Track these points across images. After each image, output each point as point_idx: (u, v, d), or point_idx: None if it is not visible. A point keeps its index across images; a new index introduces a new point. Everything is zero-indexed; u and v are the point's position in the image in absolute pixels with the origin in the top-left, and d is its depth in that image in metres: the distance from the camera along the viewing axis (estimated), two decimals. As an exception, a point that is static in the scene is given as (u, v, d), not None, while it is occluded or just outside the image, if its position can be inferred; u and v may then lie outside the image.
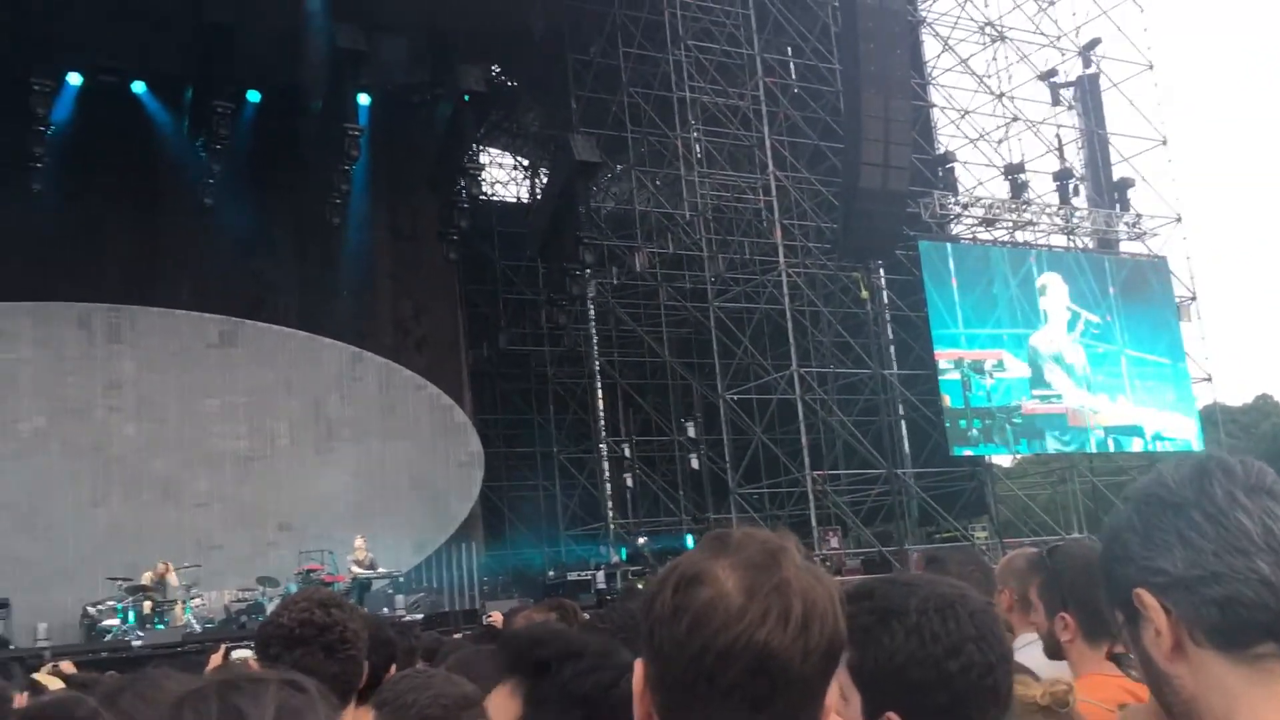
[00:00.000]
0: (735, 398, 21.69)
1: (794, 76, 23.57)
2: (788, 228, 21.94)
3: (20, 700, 3.74)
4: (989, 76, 24.82)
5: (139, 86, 20.27)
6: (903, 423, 24.15)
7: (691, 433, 23.63)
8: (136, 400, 20.61)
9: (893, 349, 24.53)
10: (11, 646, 15.64)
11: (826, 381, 22.44)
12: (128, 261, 20.81)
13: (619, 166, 24.61)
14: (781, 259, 21.37)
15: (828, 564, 18.96)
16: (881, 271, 24.31)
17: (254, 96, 20.42)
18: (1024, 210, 24.43)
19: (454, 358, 24.08)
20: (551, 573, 21.50)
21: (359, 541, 18.46)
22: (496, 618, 8.08)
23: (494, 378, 25.26)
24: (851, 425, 21.75)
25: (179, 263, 21.22)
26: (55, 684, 5.45)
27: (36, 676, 5.68)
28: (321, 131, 20.75)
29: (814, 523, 19.97)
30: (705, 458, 23.12)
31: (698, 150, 22.39)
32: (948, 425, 21.79)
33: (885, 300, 24.59)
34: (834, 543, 20.66)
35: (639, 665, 1.29)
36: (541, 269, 24.56)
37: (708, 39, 22.01)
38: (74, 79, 19.41)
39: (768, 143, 21.63)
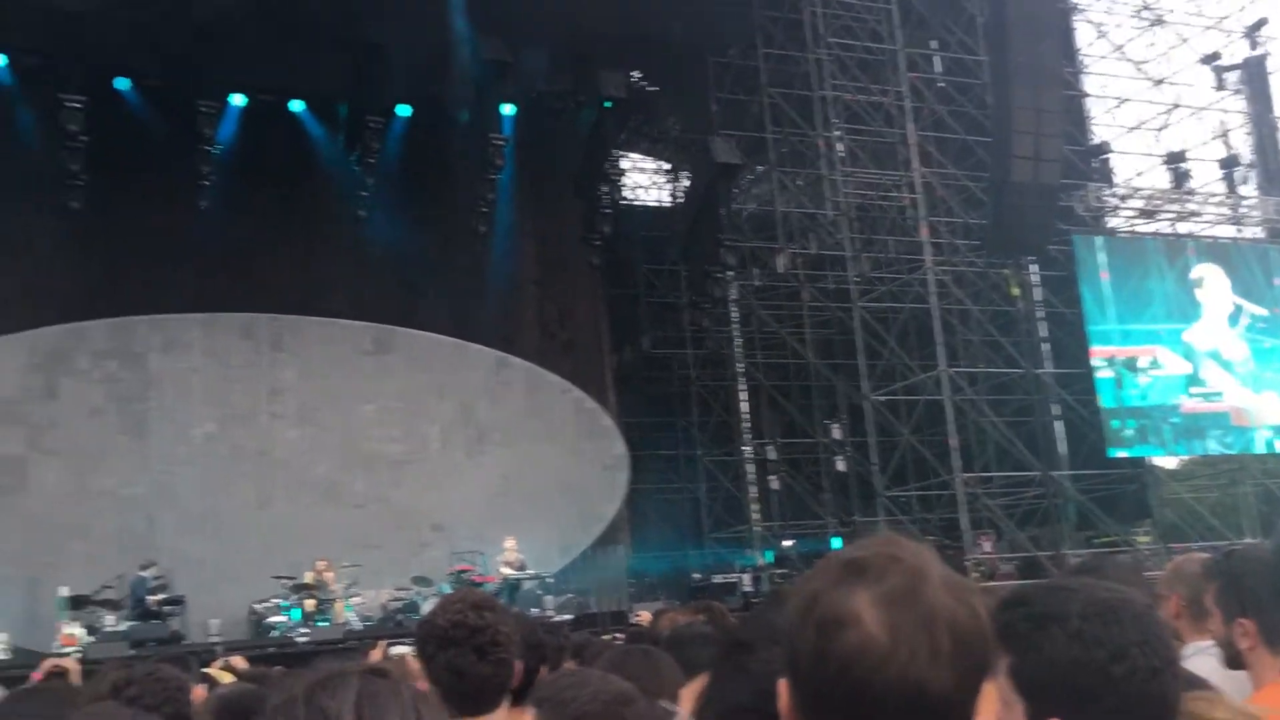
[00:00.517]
0: (882, 399, 21.32)
1: (939, 71, 23.06)
2: (934, 225, 21.49)
3: (198, 693, 4.05)
4: (1147, 62, 23.82)
5: (297, 105, 21.04)
6: (1059, 423, 23.34)
7: (836, 435, 23.29)
8: (298, 406, 21.37)
9: (1047, 347, 23.75)
10: (186, 641, 16.45)
11: (976, 381, 21.88)
12: (288, 273, 21.63)
13: (760, 168, 24.42)
14: (928, 257, 20.94)
15: (980, 569, 18.49)
16: (1034, 267, 23.58)
17: (404, 111, 20.97)
18: (1187, 200, 23.34)
19: (598, 361, 24.27)
20: (698, 575, 21.44)
21: (509, 543, 18.79)
22: (645, 617, 8.62)
23: (638, 381, 25.26)
24: (1003, 426, 21.16)
25: (335, 273, 21.97)
26: (227, 678, 5.75)
27: (209, 670, 6.15)
28: (468, 143, 21.21)
29: (965, 526, 19.51)
30: (851, 460, 22.76)
31: (840, 149, 22.09)
32: (1103, 426, 21.03)
33: (1038, 297, 23.85)
34: (987, 547, 20.11)
35: (782, 686, 1.28)
36: (684, 272, 24.58)
37: (849, 36, 21.69)
38: (237, 100, 20.26)
39: (912, 139, 21.22)
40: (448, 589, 17.82)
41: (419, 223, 21.82)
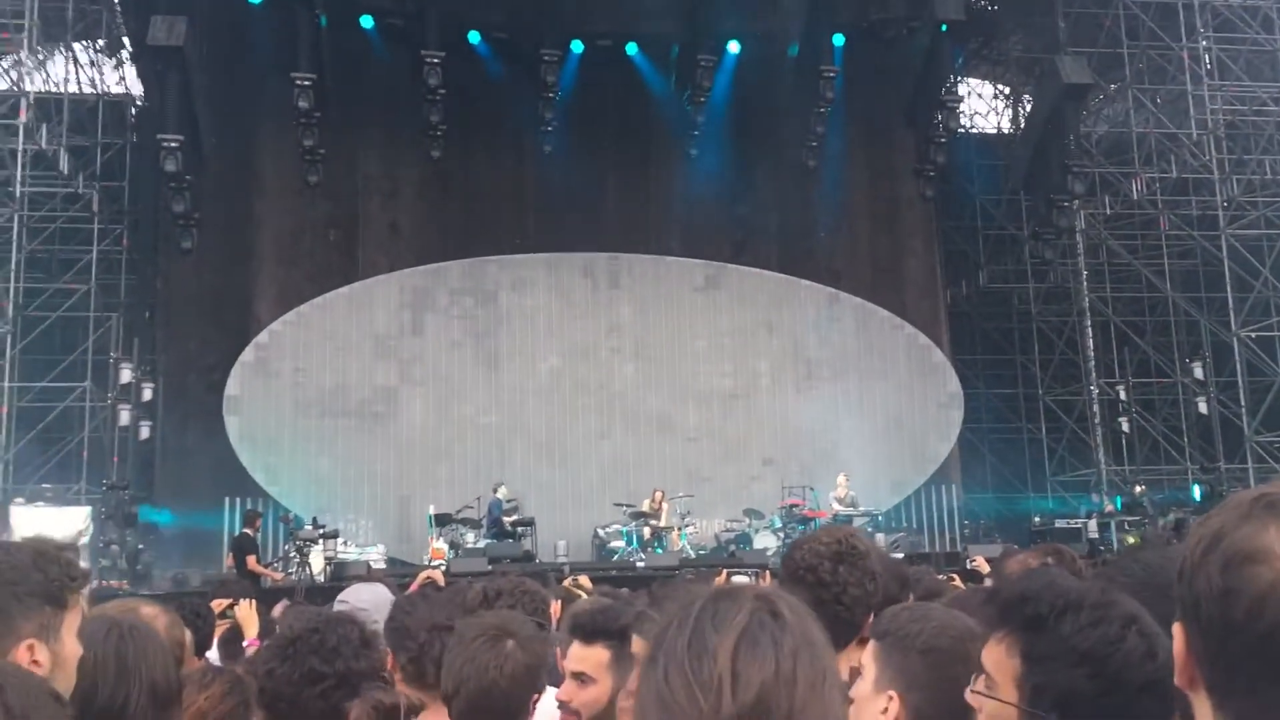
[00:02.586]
0: (1252, 335, 19.54)
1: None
2: (1319, 141, 19.24)
3: (555, 607, 4.29)
4: None
5: (631, 48, 21.51)
6: None
7: (1199, 374, 21.42)
8: (634, 341, 22.03)
9: None
10: (537, 561, 17.59)
11: (1368, 316, 19.51)
12: (624, 213, 22.30)
13: (1112, 86, 22.69)
14: (1311, 177, 18.81)
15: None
16: None
17: (733, 48, 21.03)
18: None
19: (931, 297, 23.66)
20: (1038, 519, 20.71)
21: (841, 478, 18.93)
22: (981, 563, 8.32)
23: (972, 317, 24.46)
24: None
25: (668, 212, 22.43)
26: (581, 594, 6.06)
27: (564, 585, 6.50)
28: (797, 76, 20.98)
29: (1353, 478, 17.52)
30: (1215, 401, 20.92)
31: (1207, 61, 20.15)
32: None
33: None
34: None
35: (1178, 630, 1.21)
36: (1024, 202, 23.39)
37: (1219, -68, 19.64)
38: (577, 47, 20.96)
39: (1295, 45, 18.99)
40: (778, 523, 18.93)
41: (748, 159, 22.02)
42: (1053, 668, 1.69)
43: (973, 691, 1.80)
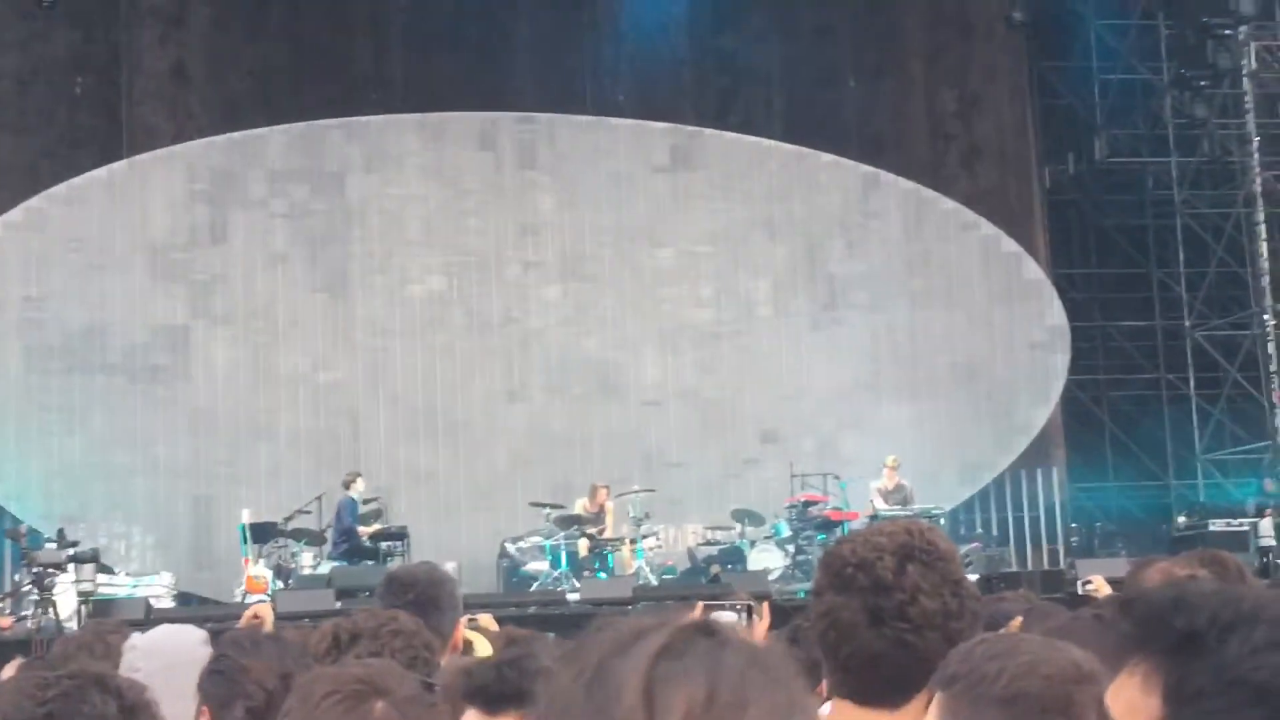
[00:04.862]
0: None
1: None
2: None
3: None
4: None
5: None
6: None
7: None
8: (559, 252, 22.25)
9: None
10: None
11: None
12: (542, 50, 22.36)
13: None
14: None
15: None
16: None
17: None
18: None
19: (1021, 177, 23.79)
20: (1183, 519, 20.94)
21: (888, 460, 19.20)
22: (1100, 585, 8.31)
23: (1084, 210, 24.64)
24: None
25: (613, 48, 22.64)
26: (482, 645, 6.03)
27: (461, 628, 6.28)
28: None
29: None
30: None
31: None
32: None
33: None
34: None
35: None
36: (1164, 30, 23.49)
37: None
38: None
39: None
40: (785, 530, 19.19)
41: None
42: (1213, 708, 1.71)
43: None
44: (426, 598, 4.50)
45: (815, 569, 2.91)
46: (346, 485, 18.59)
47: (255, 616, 6.13)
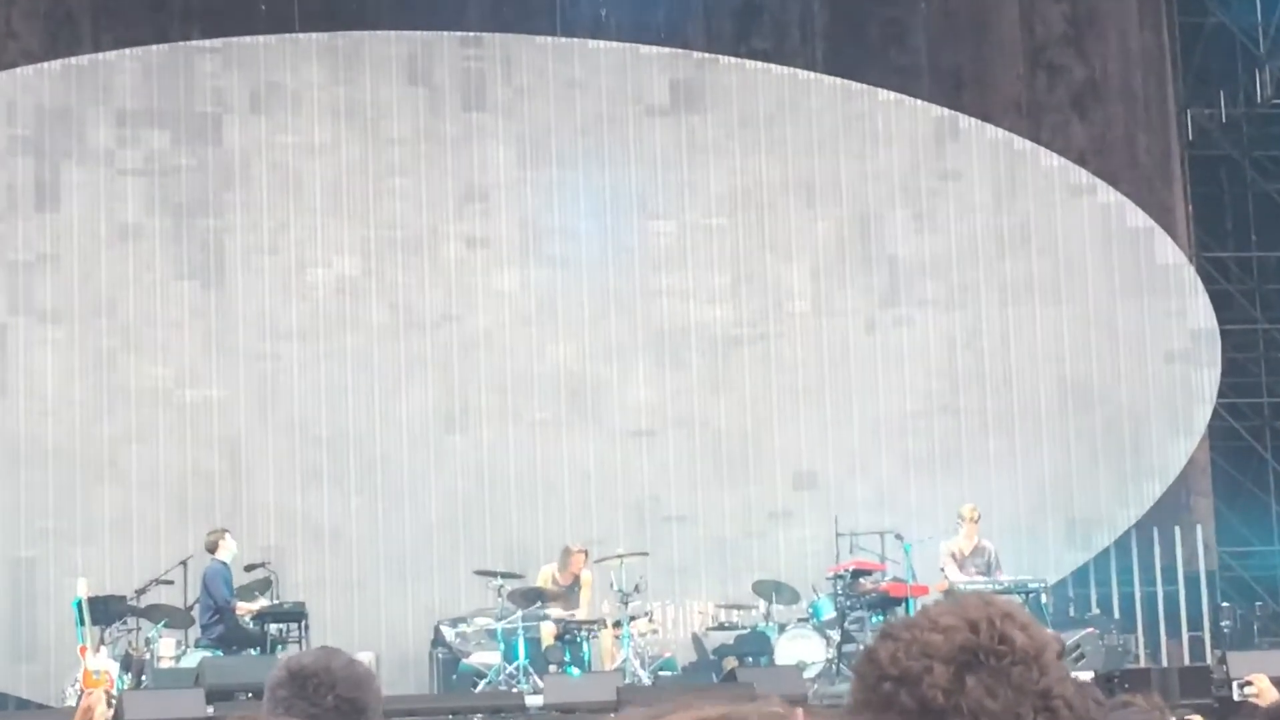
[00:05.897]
0: None
1: None
2: None
3: None
4: None
5: None
6: None
7: None
8: (518, 222, 22.24)
9: None
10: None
11: None
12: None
13: None
14: None
15: None
16: None
17: None
18: None
19: (1154, 124, 23.88)
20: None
21: (967, 512, 19.41)
22: (1262, 688, 9.05)
23: (1240, 169, 24.48)
24: None
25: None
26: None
27: None
28: None
29: None
30: None
31: None
32: None
33: None
34: None
35: None
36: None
37: None
38: None
39: None
40: (827, 609, 19.60)
41: None
42: None
43: None
44: (347, 702, 4.20)
45: (852, 669, 2.78)
46: (211, 548, 18.53)
47: (88, 711, 6.56)
